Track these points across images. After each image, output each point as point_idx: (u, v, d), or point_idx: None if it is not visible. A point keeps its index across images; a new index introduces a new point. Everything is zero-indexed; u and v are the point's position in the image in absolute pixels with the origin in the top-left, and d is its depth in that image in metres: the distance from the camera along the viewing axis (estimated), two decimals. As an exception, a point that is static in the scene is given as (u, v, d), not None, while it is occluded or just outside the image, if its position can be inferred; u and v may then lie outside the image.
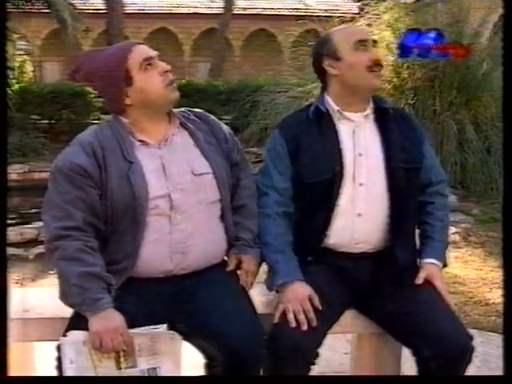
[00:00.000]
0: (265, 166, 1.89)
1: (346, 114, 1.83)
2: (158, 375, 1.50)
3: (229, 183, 1.78)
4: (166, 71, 1.68)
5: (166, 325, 1.57)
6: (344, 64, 1.79)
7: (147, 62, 1.66)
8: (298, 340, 1.61)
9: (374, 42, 1.83)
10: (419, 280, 1.79)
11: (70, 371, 1.48)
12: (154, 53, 1.70)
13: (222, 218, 1.77)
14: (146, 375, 1.50)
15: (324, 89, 1.89)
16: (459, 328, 1.70)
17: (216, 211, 1.75)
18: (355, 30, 1.91)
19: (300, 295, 1.68)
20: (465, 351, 1.67)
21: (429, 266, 1.82)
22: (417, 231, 1.95)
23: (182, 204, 1.66)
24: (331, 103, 1.84)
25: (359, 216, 1.79)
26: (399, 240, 1.81)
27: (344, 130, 1.82)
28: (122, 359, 1.50)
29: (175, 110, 1.78)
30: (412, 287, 1.78)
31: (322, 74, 1.87)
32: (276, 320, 1.67)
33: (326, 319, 1.71)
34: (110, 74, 1.66)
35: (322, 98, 1.87)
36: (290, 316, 1.64)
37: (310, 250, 1.84)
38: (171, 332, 1.56)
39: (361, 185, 1.79)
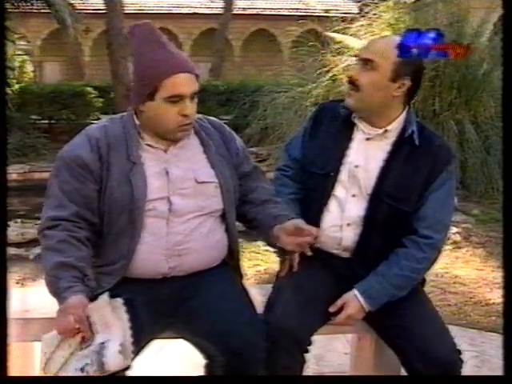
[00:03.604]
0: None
1: (358, 123, 1.82)
2: (106, 350, 1.42)
3: (235, 195, 1.77)
4: (185, 115, 1.62)
5: (106, 293, 1.52)
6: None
7: (177, 98, 1.61)
8: (289, 323, 1.63)
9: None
10: (333, 308, 1.73)
11: (42, 365, 1.46)
12: (187, 90, 1.61)
13: (224, 224, 1.76)
14: (96, 351, 1.42)
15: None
16: (447, 344, 1.68)
17: (217, 218, 1.74)
18: None
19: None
20: (452, 368, 1.65)
21: (348, 294, 1.73)
22: None
23: (180, 208, 1.65)
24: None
25: (348, 226, 1.79)
26: (362, 264, 1.78)
27: (358, 137, 1.81)
28: (78, 339, 1.45)
29: None
30: (402, 298, 1.75)
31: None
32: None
33: (319, 307, 1.73)
34: (142, 76, 1.63)
35: None
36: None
37: None
38: (113, 300, 1.51)
39: (353, 196, 1.79)
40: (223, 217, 1.75)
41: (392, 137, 1.78)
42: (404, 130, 1.77)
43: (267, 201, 1.81)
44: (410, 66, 1.72)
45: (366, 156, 1.79)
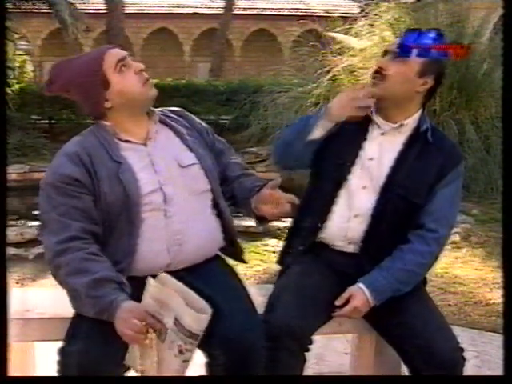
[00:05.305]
0: None
1: (375, 118, 1.84)
2: (183, 321, 1.40)
3: (217, 173, 1.83)
4: (140, 70, 1.70)
5: (149, 277, 1.49)
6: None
7: (121, 63, 1.68)
8: (290, 321, 1.65)
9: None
10: (339, 301, 1.73)
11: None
12: (125, 53, 1.72)
13: (215, 206, 1.79)
14: (176, 330, 1.41)
15: None
16: (450, 342, 1.69)
17: (208, 201, 1.78)
18: None
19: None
20: (454, 367, 1.66)
21: (353, 287, 1.74)
22: None
23: (174, 196, 1.68)
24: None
25: (355, 217, 1.81)
26: (365, 259, 1.79)
27: (373, 133, 1.85)
28: (153, 335, 1.43)
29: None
30: (404, 296, 1.76)
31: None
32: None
33: (320, 306, 1.73)
34: (87, 81, 1.68)
35: None
36: None
37: (306, 235, 1.89)
38: (158, 278, 1.49)
39: (364, 188, 1.81)
40: (214, 199, 1.78)
41: (406, 132, 1.82)
42: (418, 126, 1.81)
43: (240, 175, 1.88)
44: (436, 66, 1.77)
45: (380, 150, 1.82)
